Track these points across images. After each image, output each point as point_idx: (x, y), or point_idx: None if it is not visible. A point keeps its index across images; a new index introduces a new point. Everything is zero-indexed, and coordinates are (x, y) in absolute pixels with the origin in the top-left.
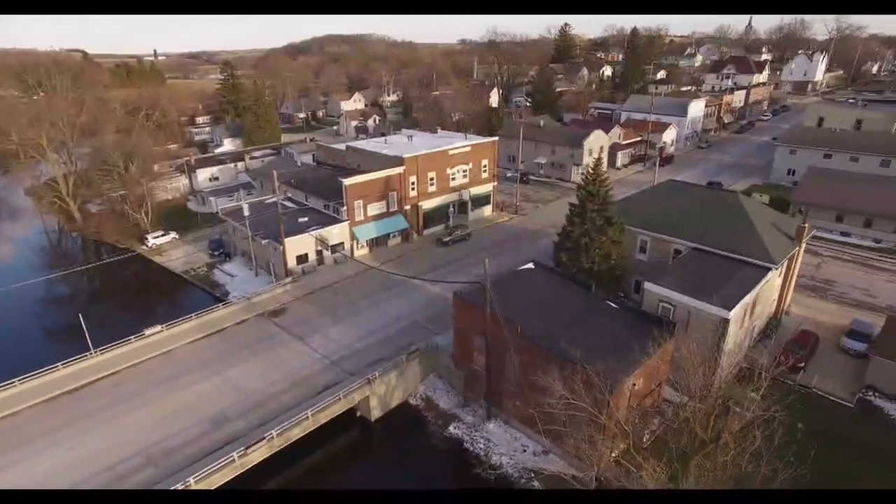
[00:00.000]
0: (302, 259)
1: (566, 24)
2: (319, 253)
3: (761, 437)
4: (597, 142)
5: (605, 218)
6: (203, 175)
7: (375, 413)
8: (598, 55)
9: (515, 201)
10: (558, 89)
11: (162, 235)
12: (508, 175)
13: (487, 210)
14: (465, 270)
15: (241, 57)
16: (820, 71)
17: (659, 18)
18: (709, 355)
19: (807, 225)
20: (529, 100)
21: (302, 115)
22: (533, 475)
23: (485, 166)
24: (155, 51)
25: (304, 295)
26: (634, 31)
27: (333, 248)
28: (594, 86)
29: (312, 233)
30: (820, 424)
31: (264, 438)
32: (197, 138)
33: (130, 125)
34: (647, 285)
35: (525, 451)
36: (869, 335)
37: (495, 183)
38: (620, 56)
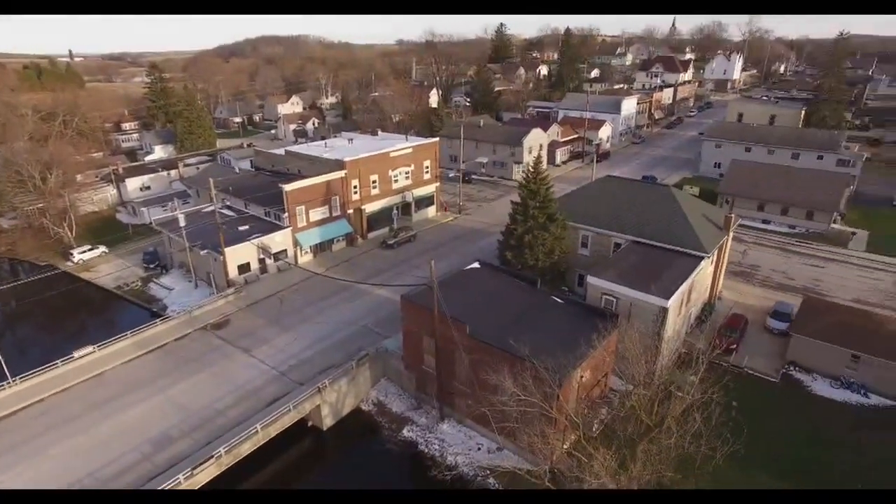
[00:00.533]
0: (244, 268)
1: (502, 25)
2: (262, 261)
3: (701, 418)
4: (536, 140)
5: (547, 215)
6: (133, 184)
7: (327, 421)
8: (534, 55)
9: (459, 201)
10: (497, 89)
11: (89, 250)
12: (451, 175)
13: (431, 211)
14: (411, 272)
15: (169, 59)
16: (737, 70)
17: (590, 19)
18: (650, 344)
19: (733, 215)
20: (469, 99)
21: (238, 120)
22: (489, 472)
23: (427, 167)
24: (70, 51)
25: (247, 305)
26: (568, 31)
27: (276, 256)
28: (531, 85)
29: (254, 241)
30: (751, 401)
31: (212, 457)
32: (125, 146)
33: (47, 132)
34: (590, 279)
35: (480, 449)
36: (789, 315)
37: (438, 184)
38: (555, 55)
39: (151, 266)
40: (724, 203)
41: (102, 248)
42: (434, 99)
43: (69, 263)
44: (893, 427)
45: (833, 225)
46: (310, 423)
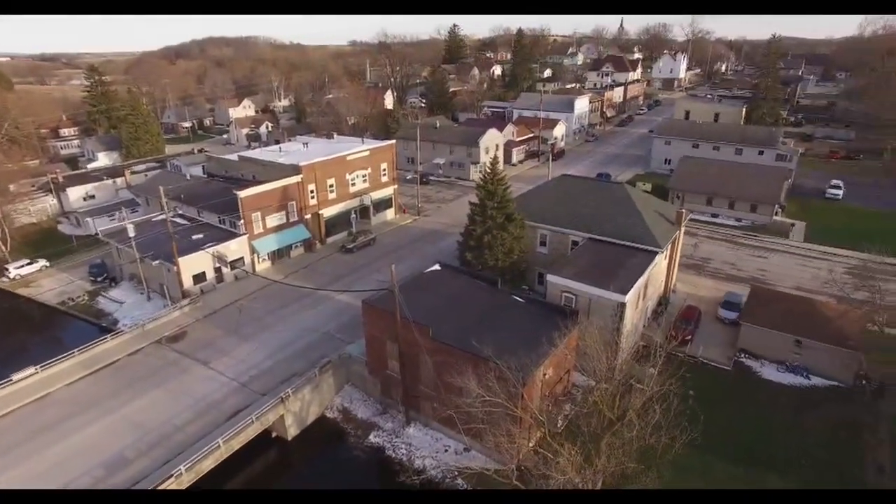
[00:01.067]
0: (199, 278)
1: (455, 26)
2: (218, 270)
3: (660, 410)
4: (492, 140)
5: (505, 215)
6: (75, 194)
7: (292, 431)
8: (488, 55)
9: (417, 203)
10: (451, 89)
11: (28, 264)
12: (408, 178)
13: (390, 213)
14: (372, 276)
15: (109, 60)
16: (682, 69)
17: (542, 19)
18: (610, 339)
19: (684, 210)
20: (424, 100)
21: (187, 125)
22: (457, 474)
23: (384, 170)
24: None
25: (204, 316)
26: (520, 31)
27: (233, 265)
28: (486, 85)
29: (209, 250)
30: (707, 390)
31: (172, 476)
32: (64, 153)
33: None
34: (550, 277)
35: (447, 450)
36: (739, 305)
37: (396, 186)
38: (509, 55)
39: (99, 279)
40: (675, 198)
41: (43, 262)
42: (389, 100)
43: (4, 279)
44: (831, 405)
45: (775, 217)
46: (274, 434)
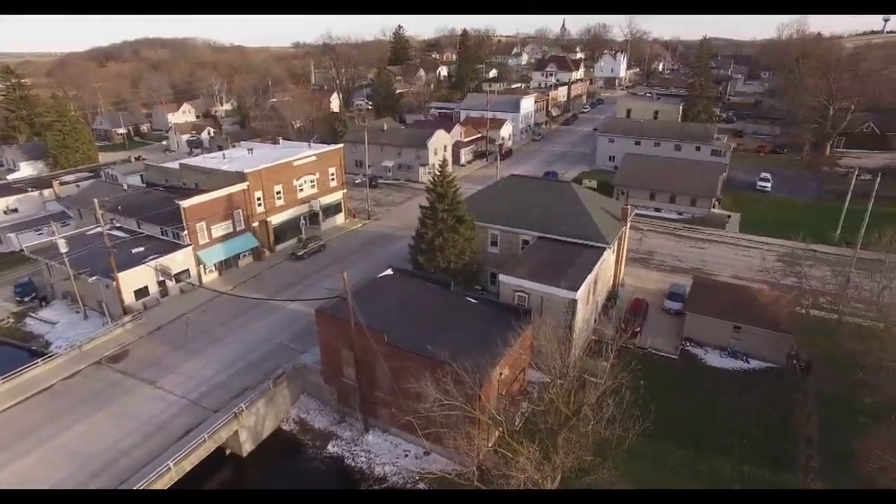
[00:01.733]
0: (141, 293)
1: (399, 27)
2: (162, 283)
3: (613, 403)
4: (440, 141)
5: (456, 217)
6: None
7: (247, 447)
8: (434, 55)
9: (367, 207)
10: (398, 91)
11: None
12: (357, 182)
13: (340, 218)
14: (323, 283)
15: (28, 61)
16: (623, 68)
17: (486, 19)
18: (563, 335)
19: (629, 206)
20: (370, 102)
21: (122, 131)
22: (417, 478)
23: (333, 174)
24: None
25: (149, 333)
26: (465, 32)
27: (177, 277)
28: (432, 86)
29: (151, 263)
30: (656, 379)
31: None
32: None
33: None
34: (502, 277)
35: (407, 455)
36: (683, 295)
37: (345, 190)
38: (454, 56)
39: (26, 299)
40: (620, 194)
41: None
42: (335, 103)
43: None
44: (767, 385)
45: (713, 210)
46: (228, 451)
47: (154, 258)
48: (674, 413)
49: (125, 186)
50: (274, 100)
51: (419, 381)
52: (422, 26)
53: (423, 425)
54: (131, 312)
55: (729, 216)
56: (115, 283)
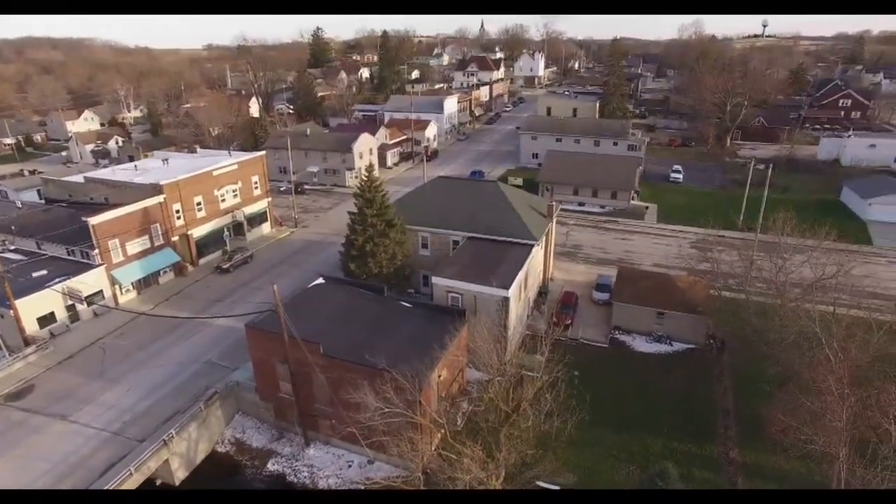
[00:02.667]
0: (47, 320)
1: (318, 28)
2: (72, 308)
3: (551, 398)
4: (365, 145)
5: (385, 222)
6: None
7: (179, 475)
8: (355, 57)
9: (294, 214)
10: (320, 94)
11: None
12: (282, 189)
13: (266, 227)
14: (252, 296)
15: None
16: (541, 67)
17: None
18: (498, 333)
19: (554, 202)
20: (292, 106)
21: (9, 141)
22: (363, 488)
23: (256, 183)
24: None
25: (58, 363)
26: (385, 34)
27: (90, 299)
28: (354, 88)
29: (56, 287)
30: (589, 368)
31: None
32: None
33: None
34: (435, 279)
35: (350, 466)
36: (610, 286)
37: (270, 199)
38: (375, 58)
39: None
40: (545, 191)
41: None
42: (255, 108)
43: None
44: (687, 365)
45: (632, 202)
46: (158, 482)
47: (60, 281)
48: (607, 399)
49: (18, 203)
50: (188, 105)
51: (359, 390)
52: (341, 27)
53: (365, 435)
54: (35, 342)
55: (647, 207)
56: (11, 311)
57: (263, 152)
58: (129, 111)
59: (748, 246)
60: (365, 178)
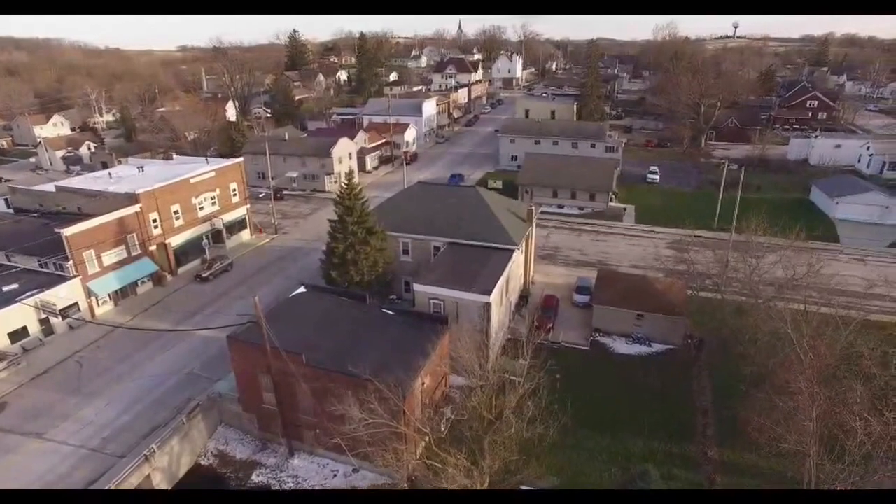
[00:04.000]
0: (19, 335)
1: (294, 31)
2: (45, 321)
3: (533, 405)
4: (344, 149)
5: (366, 229)
6: None
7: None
8: (332, 59)
9: (273, 221)
10: (298, 97)
11: None
12: (261, 195)
13: (245, 234)
14: (233, 305)
15: None
16: (519, 69)
17: (384, 22)
18: (480, 340)
19: (533, 207)
20: (269, 110)
21: None
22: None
23: (234, 190)
24: None
25: (31, 379)
26: (363, 36)
27: (64, 312)
28: (332, 91)
29: (27, 301)
30: (571, 371)
31: None
32: None
33: None
34: (416, 286)
35: (336, 475)
36: (589, 288)
37: (249, 205)
38: (353, 59)
39: None
40: (525, 193)
41: None
42: (232, 112)
43: None
44: (666, 366)
45: (610, 203)
46: None
47: (32, 294)
48: (589, 402)
49: None
50: (163, 109)
51: (342, 401)
52: (317, 29)
53: (350, 445)
54: (6, 358)
55: (625, 209)
56: None
57: (241, 159)
58: (102, 115)
59: (723, 246)
60: (345, 186)
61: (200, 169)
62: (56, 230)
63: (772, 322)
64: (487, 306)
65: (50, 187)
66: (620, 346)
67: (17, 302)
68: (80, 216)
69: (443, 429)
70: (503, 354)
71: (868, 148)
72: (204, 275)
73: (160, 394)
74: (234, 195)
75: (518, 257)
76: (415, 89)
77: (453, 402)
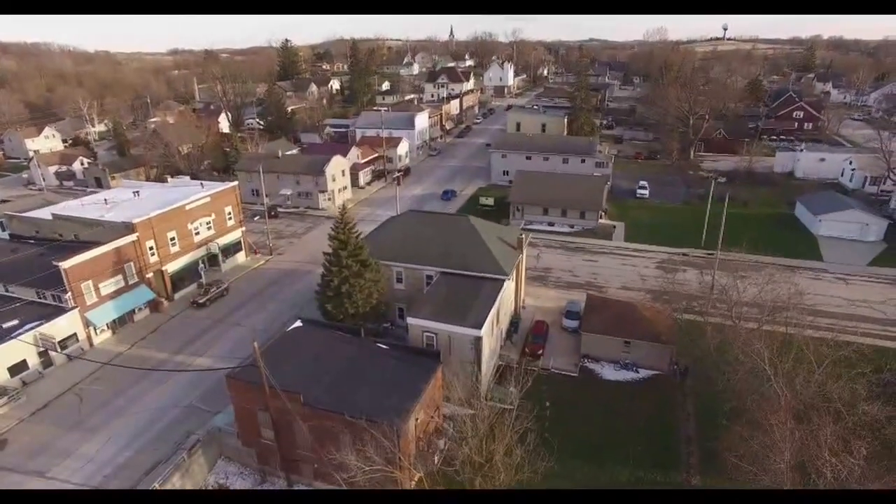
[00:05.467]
0: (18, 368)
1: (287, 41)
2: (44, 353)
3: (522, 450)
4: (338, 167)
5: (360, 262)
6: None
7: None
8: (324, 66)
9: (268, 242)
10: (290, 108)
11: None
12: (256, 219)
13: (241, 257)
14: (230, 333)
15: None
16: (510, 76)
17: (375, 25)
18: (472, 370)
19: (523, 236)
20: (261, 121)
21: None
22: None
23: (229, 213)
24: None
25: (32, 414)
26: (354, 45)
27: (63, 343)
28: (325, 100)
29: (25, 337)
30: (560, 398)
31: None
32: None
33: None
34: (410, 319)
35: None
36: (579, 313)
37: (244, 228)
38: (345, 66)
39: None
40: (516, 211)
41: None
42: (224, 123)
43: None
44: (654, 392)
45: (600, 220)
46: None
47: (32, 327)
48: (577, 430)
49: None
50: (155, 119)
51: (339, 448)
52: (308, 31)
53: (347, 483)
54: (6, 393)
55: (615, 226)
56: None
57: (236, 183)
58: (94, 125)
59: (710, 265)
60: (339, 221)
61: (196, 195)
62: (55, 263)
63: (751, 360)
64: (478, 340)
65: (47, 214)
66: (608, 372)
67: (16, 338)
68: (77, 244)
69: (436, 460)
70: (495, 382)
71: (851, 163)
72: (200, 301)
73: (160, 428)
74: (230, 218)
75: (509, 285)
76: (407, 98)
77: (446, 433)
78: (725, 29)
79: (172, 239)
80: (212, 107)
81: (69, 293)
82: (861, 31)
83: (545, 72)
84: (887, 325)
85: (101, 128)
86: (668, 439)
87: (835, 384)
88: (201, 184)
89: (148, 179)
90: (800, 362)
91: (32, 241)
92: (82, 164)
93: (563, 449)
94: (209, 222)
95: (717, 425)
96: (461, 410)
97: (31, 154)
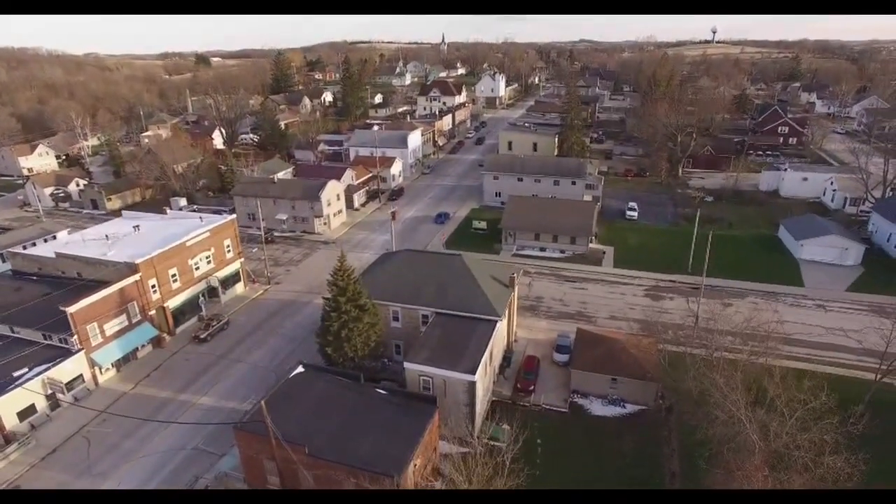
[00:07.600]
0: (27, 412)
1: (280, 52)
2: (52, 396)
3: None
4: (333, 191)
5: (358, 307)
6: None
7: None
8: (317, 76)
9: (266, 271)
10: (284, 122)
11: None
12: (255, 249)
13: (240, 287)
14: (233, 369)
15: None
16: (502, 87)
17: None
18: (467, 411)
19: (515, 275)
20: (256, 137)
21: None
22: None
23: (228, 246)
24: None
25: (41, 459)
26: (347, 59)
27: (69, 385)
28: (318, 113)
29: (32, 385)
30: (551, 435)
31: None
32: None
33: None
34: (407, 364)
35: None
36: (569, 347)
37: (242, 259)
38: (337, 75)
39: None
40: (509, 236)
41: None
42: (219, 140)
43: None
44: (641, 427)
45: (591, 245)
46: None
47: (40, 372)
48: (567, 466)
49: None
50: (148, 134)
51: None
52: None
53: None
54: (16, 440)
55: (604, 252)
56: None
57: (234, 216)
58: (87, 139)
59: (696, 292)
60: (338, 269)
61: (196, 230)
62: (61, 308)
63: (727, 411)
64: (472, 385)
65: (49, 251)
66: (597, 408)
67: (23, 386)
68: (83, 286)
69: None
70: (488, 419)
71: (832, 183)
72: (202, 335)
73: (168, 472)
74: (228, 251)
75: (502, 324)
76: (400, 110)
77: (442, 473)
78: (714, 32)
79: (174, 275)
80: (206, 122)
81: (75, 336)
82: (849, 31)
83: (536, 80)
84: (862, 356)
85: (94, 141)
86: (654, 474)
87: (804, 436)
88: (200, 217)
89: (143, 199)
90: (772, 410)
91: (35, 278)
92: (77, 185)
93: (552, 486)
94: (209, 256)
95: (698, 468)
96: (456, 449)
97: (24, 172)
